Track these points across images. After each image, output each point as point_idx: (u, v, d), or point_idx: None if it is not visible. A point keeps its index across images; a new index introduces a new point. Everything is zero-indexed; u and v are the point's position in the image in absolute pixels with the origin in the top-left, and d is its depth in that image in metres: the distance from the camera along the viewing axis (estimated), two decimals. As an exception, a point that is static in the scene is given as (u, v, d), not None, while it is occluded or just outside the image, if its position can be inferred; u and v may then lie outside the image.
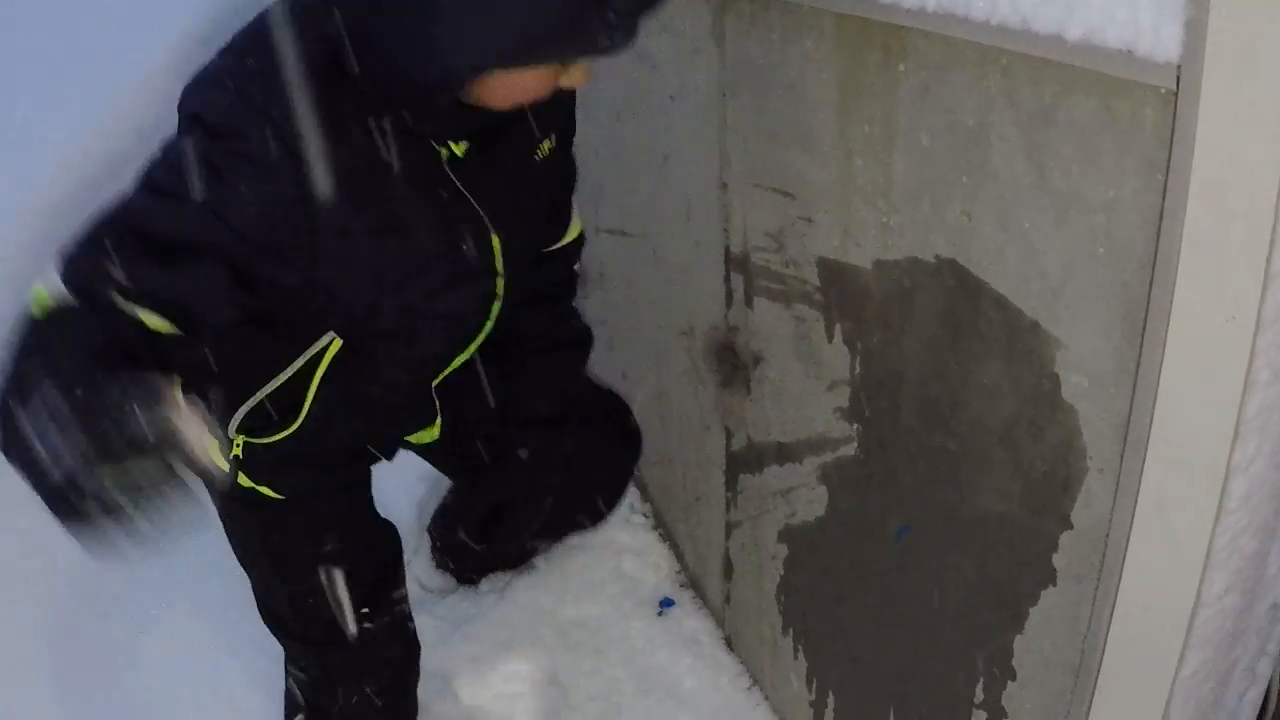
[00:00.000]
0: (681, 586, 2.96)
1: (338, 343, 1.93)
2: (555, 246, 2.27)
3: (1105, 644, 1.65)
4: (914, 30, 1.64)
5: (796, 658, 2.52)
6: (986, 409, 1.76)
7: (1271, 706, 1.87)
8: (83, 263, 1.58)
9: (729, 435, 2.52)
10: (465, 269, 1.89)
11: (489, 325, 2.02)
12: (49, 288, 1.57)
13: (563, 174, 2.13)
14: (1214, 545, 1.48)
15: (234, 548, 2.28)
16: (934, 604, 2.01)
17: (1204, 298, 1.37)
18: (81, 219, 1.62)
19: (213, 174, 1.59)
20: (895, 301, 1.87)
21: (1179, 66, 1.29)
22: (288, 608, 2.29)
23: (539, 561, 2.97)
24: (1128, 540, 1.56)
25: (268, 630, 2.36)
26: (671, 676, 2.78)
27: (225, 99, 1.63)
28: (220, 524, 2.26)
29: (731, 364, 2.40)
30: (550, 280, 2.31)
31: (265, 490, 2.12)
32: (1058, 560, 1.71)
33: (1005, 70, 1.52)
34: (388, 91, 1.64)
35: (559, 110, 1.96)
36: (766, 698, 2.71)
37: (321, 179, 1.64)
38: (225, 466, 2.05)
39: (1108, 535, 1.60)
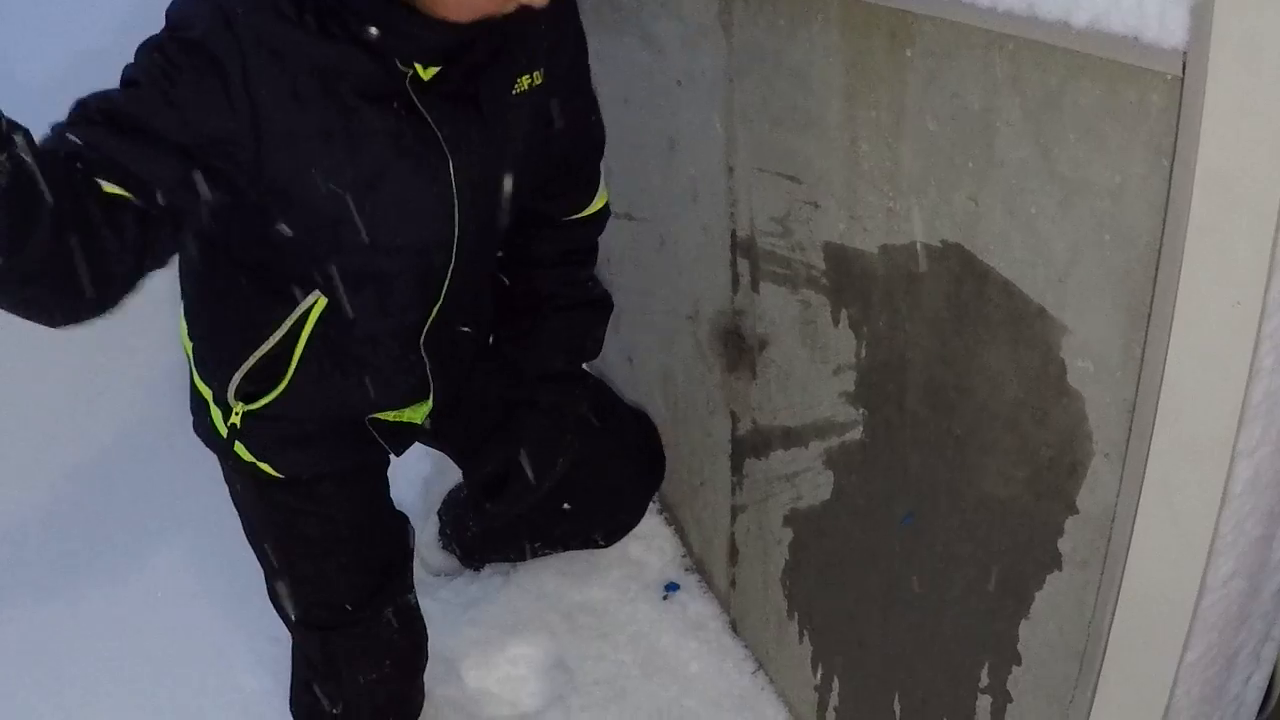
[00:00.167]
0: (687, 571, 2.97)
1: (323, 301, 1.94)
2: (580, 215, 2.27)
3: (1110, 629, 1.65)
4: (921, 15, 1.64)
5: (801, 642, 2.52)
6: (992, 394, 1.76)
7: (1277, 691, 1.87)
8: (61, 126, 1.61)
9: (735, 419, 2.52)
10: (417, 192, 1.87)
11: (455, 264, 1.98)
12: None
13: (555, 119, 2.06)
14: (1219, 530, 1.48)
15: (242, 525, 2.29)
16: (939, 589, 2.02)
17: (1209, 283, 1.37)
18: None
19: (165, 61, 1.65)
20: (901, 286, 1.87)
21: (1185, 53, 1.29)
22: (288, 589, 2.29)
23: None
24: (1133, 525, 1.56)
25: (274, 611, 2.37)
26: (677, 660, 2.79)
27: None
28: (231, 504, 2.28)
29: (737, 348, 2.40)
30: (572, 247, 2.29)
31: (266, 468, 2.12)
32: (1063, 545, 1.72)
33: (1012, 56, 1.52)
34: (351, 3, 1.68)
35: (554, 43, 1.96)
36: (771, 681, 2.72)
37: (267, 74, 1.68)
38: (225, 433, 2.08)
39: (1113, 520, 1.60)
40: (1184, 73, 1.30)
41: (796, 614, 2.52)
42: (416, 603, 2.46)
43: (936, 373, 1.86)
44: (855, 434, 2.11)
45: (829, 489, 2.24)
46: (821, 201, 1.98)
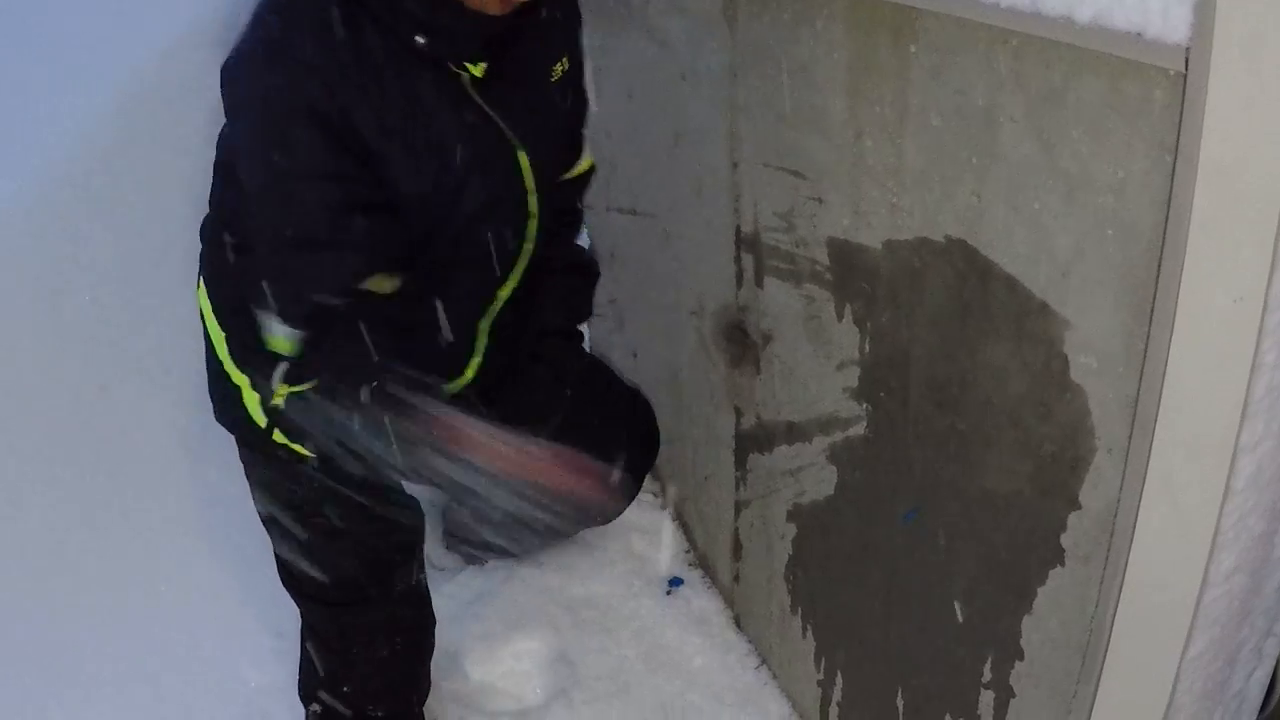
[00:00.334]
0: (690, 565, 2.97)
1: (387, 285, 1.98)
2: (567, 176, 2.30)
3: (1113, 624, 1.66)
4: (925, 11, 1.64)
5: (805, 636, 2.53)
6: (995, 389, 1.76)
7: (1279, 686, 1.87)
8: (288, 293, 1.84)
9: (739, 414, 2.52)
10: (500, 186, 1.97)
11: (528, 248, 2.08)
12: (286, 335, 1.85)
13: (576, 100, 2.18)
14: (1221, 525, 1.49)
15: (259, 507, 2.30)
16: (942, 584, 2.02)
17: (1212, 279, 1.37)
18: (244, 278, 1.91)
19: (287, 129, 1.75)
20: (905, 282, 1.87)
21: (1188, 49, 1.30)
22: (304, 567, 2.30)
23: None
24: (1135, 520, 1.56)
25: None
26: (680, 655, 2.79)
27: (259, 67, 1.77)
28: (237, 489, 2.28)
29: (741, 343, 2.41)
30: (564, 207, 2.33)
31: (300, 450, 2.14)
32: (1066, 540, 1.72)
33: (1015, 52, 1.52)
34: (399, 6, 1.75)
35: (568, 31, 2.07)
36: (775, 676, 2.72)
37: (364, 111, 1.77)
38: (263, 422, 2.12)
39: (1115, 515, 1.60)
40: (1187, 69, 1.30)
41: (800, 609, 2.52)
42: (427, 585, 2.48)
43: (940, 368, 1.86)
44: (859, 429, 2.11)
45: (833, 484, 2.24)
46: (825, 197, 1.98)
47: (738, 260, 2.31)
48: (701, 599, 2.90)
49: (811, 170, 2.00)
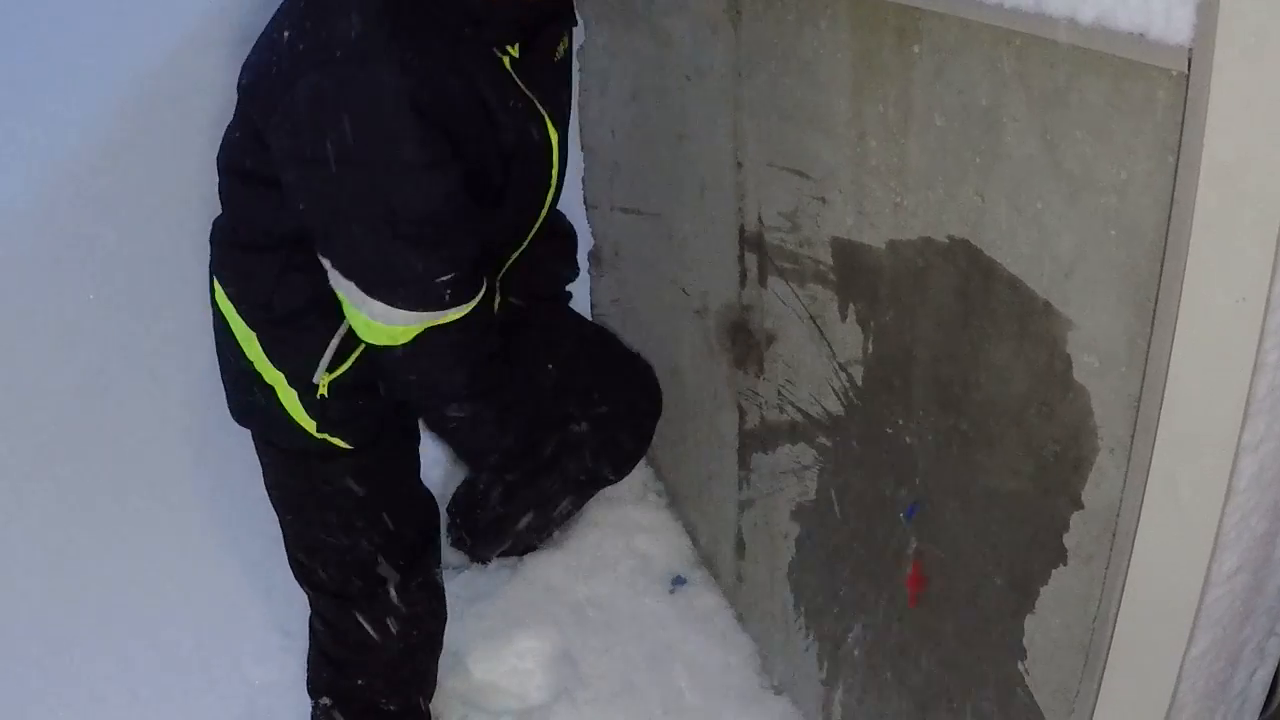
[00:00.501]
0: (693, 564, 2.97)
1: None
2: None
3: (1115, 623, 1.66)
4: (928, 12, 1.64)
5: (808, 636, 2.53)
6: (998, 389, 1.77)
7: (1281, 686, 1.87)
8: (406, 278, 1.92)
9: (742, 414, 2.53)
10: (539, 157, 2.10)
11: (544, 213, 2.21)
12: (403, 321, 1.94)
13: (570, 74, 2.30)
14: (1224, 525, 1.49)
15: (276, 499, 2.31)
16: (945, 583, 2.02)
17: (1214, 279, 1.37)
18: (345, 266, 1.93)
19: (401, 124, 1.82)
20: (908, 281, 1.87)
21: (1190, 49, 1.30)
22: (321, 560, 2.32)
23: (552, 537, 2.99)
24: (1138, 520, 1.56)
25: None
26: (683, 654, 2.79)
27: (352, 68, 1.82)
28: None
29: (745, 343, 2.41)
30: None
31: (337, 442, 2.15)
32: (1068, 540, 1.72)
33: (1018, 52, 1.53)
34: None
35: (567, 11, 2.16)
36: (778, 676, 2.73)
37: (444, 99, 1.87)
38: (302, 416, 2.17)
39: (1118, 515, 1.60)
40: (1189, 69, 1.31)
41: (803, 608, 2.52)
42: (442, 580, 2.48)
43: (943, 368, 1.87)
44: (862, 429, 2.11)
45: (835, 484, 2.24)
46: (829, 196, 1.99)
47: (741, 260, 2.31)
48: (704, 598, 2.90)
49: (815, 170, 2.00)
